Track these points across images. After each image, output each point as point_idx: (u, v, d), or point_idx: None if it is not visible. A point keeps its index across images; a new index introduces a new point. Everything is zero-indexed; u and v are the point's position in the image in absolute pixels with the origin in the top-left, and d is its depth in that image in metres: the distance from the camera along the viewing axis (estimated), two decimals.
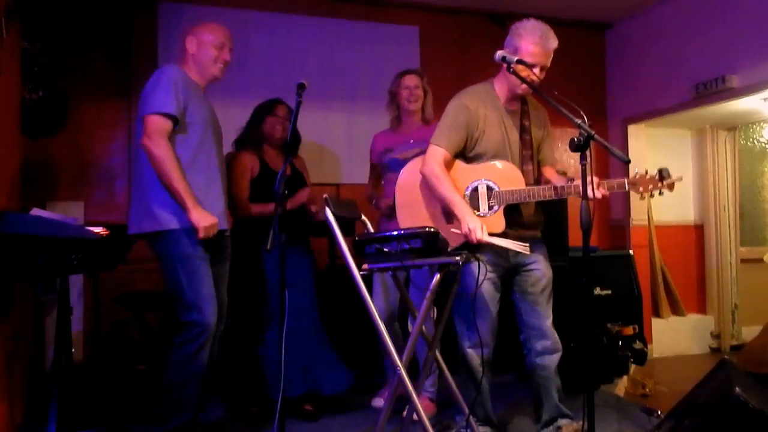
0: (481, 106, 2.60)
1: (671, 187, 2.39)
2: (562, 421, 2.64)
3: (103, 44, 3.83)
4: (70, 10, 3.71)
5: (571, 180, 2.51)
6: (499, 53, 2.46)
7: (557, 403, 2.66)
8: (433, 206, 2.60)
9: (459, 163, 2.60)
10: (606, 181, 2.43)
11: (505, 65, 2.47)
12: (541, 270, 2.65)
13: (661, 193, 2.39)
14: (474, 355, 2.60)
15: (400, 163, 3.20)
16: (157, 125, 2.43)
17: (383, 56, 4.33)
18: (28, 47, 3.05)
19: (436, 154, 2.55)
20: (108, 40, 3.85)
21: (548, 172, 2.72)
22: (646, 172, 2.40)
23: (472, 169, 2.57)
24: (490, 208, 2.51)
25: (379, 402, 3.31)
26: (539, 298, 2.64)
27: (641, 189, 2.39)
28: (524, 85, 2.50)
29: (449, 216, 2.55)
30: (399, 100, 3.27)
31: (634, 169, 2.42)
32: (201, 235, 2.42)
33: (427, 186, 2.58)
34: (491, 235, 2.44)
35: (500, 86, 2.66)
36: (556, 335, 2.66)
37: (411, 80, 3.26)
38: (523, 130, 2.64)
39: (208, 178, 2.59)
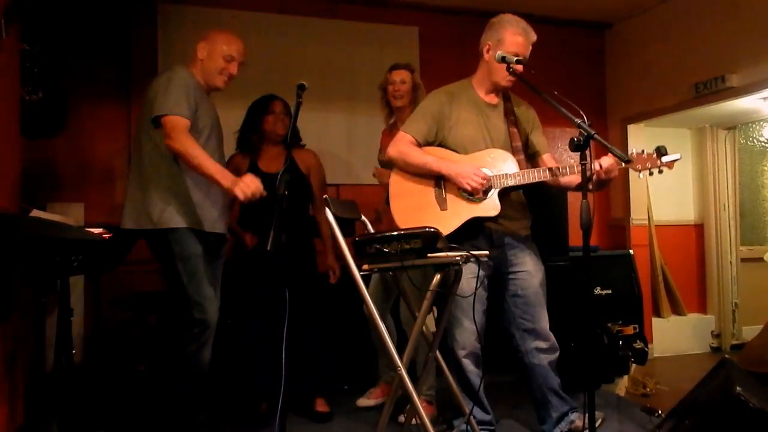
0: (455, 99, 2.65)
1: (670, 165, 2.36)
2: (573, 415, 2.62)
3: (102, 45, 3.83)
4: (69, 12, 3.70)
5: (560, 168, 2.51)
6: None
7: (563, 397, 2.64)
8: (424, 195, 2.60)
9: (453, 154, 2.61)
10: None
11: (487, 59, 2.60)
12: (529, 272, 2.64)
13: (660, 171, 2.36)
14: (467, 360, 2.60)
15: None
16: (176, 123, 2.43)
17: (383, 57, 4.31)
18: (27, 48, 3.04)
19: (402, 138, 2.63)
20: (108, 41, 3.84)
21: (548, 160, 2.72)
22: (643, 151, 2.39)
23: (465, 159, 2.59)
24: (485, 192, 2.52)
25: (364, 402, 3.31)
26: (531, 301, 2.63)
27: (639, 167, 2.36)
28: (508, 78, 2.57)
29: (442, 201, 2.56)
30: (388, 96, 3.27)
31: (632, 149, 2.41)
32: (242, 198, 2.37)
33: (415, 176, 2.60)
34: (485, 218, 2.50)
35: (479, 82, 2.69)
36: (553, 337, 2.65)
37: (398, 75, 3.24)
38: (510, 123, 2.66)
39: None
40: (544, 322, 2.64)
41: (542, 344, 2.63)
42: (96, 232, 2.55)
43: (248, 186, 2.37)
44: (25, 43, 3.02)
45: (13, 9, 2.60)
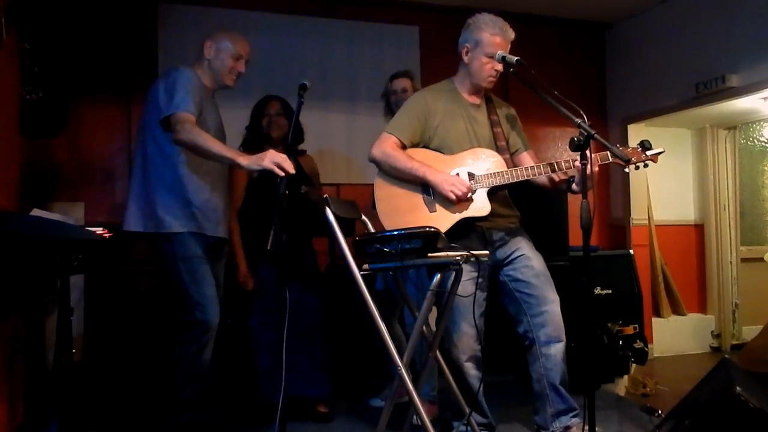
0: (440, 99, 2.63)
1: (655, 159, 2.40)
2: (572, 420, 2.51)
3: (102, 45, 3.83)
4: (70, 11, 3.70)
5: (550, 165, 2.49)
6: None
7: (563, 395, 2.52)
8: (412, 198, 2.56)
9: (438, 155, 2.59)
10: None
11: (467, 62, 2.59)
12: (526, 255, 2.58)
13: (646, 165, 2.40)
14: (469, 364, 2.55)
15: None
16: (182, 118, 2.41)
17: (383, 56, 4.32)
18: (27, 48, 3.05)
19: (386, 138, 2.57)
20: (108, 41, 3.84)
21: (531, 157, 2.72)
22: (627, 146, 2.41)
23: (451, 159, 2.57)
24: (473, 192, 2.51)
25: (376, 402, 3.30)
26: (534, 283, 2.54)
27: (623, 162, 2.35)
28: (489, 79, 2.57)
29: (431, 203, 2.54)
30: (391, 104, 3.27)
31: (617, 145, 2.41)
32: (271, 167, 2.22)
33: (402, 179, 2.55)
34: (477, 219, 2.49)
35: (461, 82, 2.68)
36: (560, 323, 2.53)
37: (399, 84, 3.25)
38: (494, 124, 2.66)
39: (213, 183, 2.61)
40: (549, 306, 2.52)
41: (549, 331, 2.51)
42: (96, 231, 2.55)
43: (276, 155, 2.25)
44: (25, 42, 3.02)
45: (13, 9, 2.60)
